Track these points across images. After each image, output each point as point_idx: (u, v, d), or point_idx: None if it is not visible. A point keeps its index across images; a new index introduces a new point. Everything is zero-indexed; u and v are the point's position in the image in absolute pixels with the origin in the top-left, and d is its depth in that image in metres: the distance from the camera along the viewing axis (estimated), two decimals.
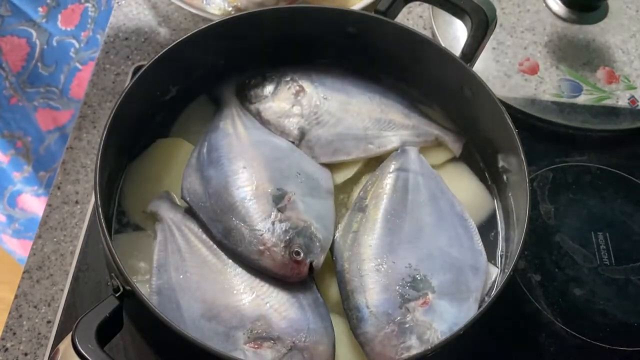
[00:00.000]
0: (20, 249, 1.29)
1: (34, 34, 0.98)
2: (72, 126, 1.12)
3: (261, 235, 0.59)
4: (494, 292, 0.59)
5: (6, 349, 0.71)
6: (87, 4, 1.04)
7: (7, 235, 1.25)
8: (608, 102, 0.90)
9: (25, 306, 0.73)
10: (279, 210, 0.61)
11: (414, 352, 0.56)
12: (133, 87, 0.63)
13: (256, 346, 0.56)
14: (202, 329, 0.57)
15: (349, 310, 0.59)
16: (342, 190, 0.69)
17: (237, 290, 0.59)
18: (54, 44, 1.02)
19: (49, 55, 1.02)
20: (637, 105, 0.90)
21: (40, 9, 0.97)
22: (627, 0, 0.99)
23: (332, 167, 0.69)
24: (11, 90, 1.01)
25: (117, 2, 0.99)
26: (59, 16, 1.00)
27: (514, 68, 0.92)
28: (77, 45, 1.06)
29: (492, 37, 0.72)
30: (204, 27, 0.67)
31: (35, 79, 1.03)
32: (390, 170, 0.67)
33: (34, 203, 1.18)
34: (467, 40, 0.69)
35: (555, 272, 0.77)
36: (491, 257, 0.64)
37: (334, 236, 0.63)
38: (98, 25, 1.09)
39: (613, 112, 0.89)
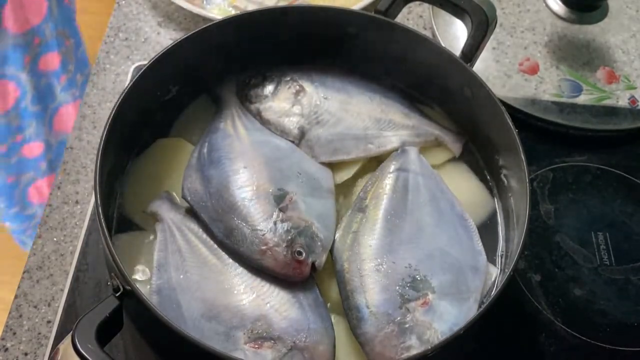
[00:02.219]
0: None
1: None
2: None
3: (263, 235, 0.59)
4: (494, 292, 0.59)
5: (6, 349, 0.71)
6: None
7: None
8: (608, 102, 0.90)
9: (25, 306, 0.73)
10: (281, 210, 0.61)
11: (414, 352, 0.56)
12: (133, 87, 0.62)
13: (256, 346, 0.56)
14: (202, 329, 0.57)
15: (349, 310, 0.59)
16: (342, 190, 0.69)
17: (237, 290, 0.59)
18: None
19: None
20: (637, 105, 0.90)
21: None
22: (627, 0, 0.99)
23: (332, 166, 0.69)
24: None
25: (117, 2, 0.99)
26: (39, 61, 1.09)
27: (514, 68, 0.92)
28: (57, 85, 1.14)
29: (492, 37, 0.72)
30: (204, 27, 0.67)
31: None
32: (390, 171, 0.67)
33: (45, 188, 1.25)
34: (467, 40, 0.69)
35: (555, 272, 0.77)
36: (491, 257, 0.64)
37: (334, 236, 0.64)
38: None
39: (613, 112, 0.89)
